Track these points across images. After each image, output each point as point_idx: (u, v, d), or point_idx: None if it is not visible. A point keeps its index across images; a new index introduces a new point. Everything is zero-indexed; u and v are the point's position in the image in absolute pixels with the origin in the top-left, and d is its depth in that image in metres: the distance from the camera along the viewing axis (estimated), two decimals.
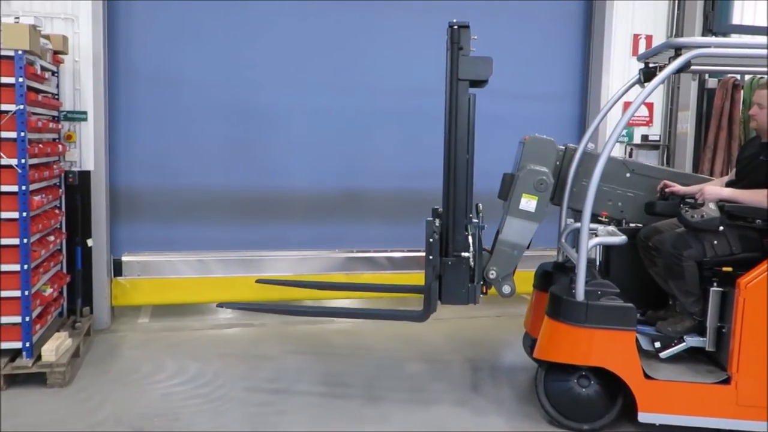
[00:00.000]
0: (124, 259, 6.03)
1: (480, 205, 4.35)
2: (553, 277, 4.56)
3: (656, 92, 6.41)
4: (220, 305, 4.60)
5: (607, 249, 4.61)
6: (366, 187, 6.60)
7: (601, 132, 6.03)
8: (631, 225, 4.76)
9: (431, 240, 4.05)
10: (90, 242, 5.64)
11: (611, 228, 4.30)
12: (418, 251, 6.61)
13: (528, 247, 4.28)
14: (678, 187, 4.32)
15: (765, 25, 6.81)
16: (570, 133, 6.79)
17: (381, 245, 6.60)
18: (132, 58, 5.96)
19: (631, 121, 6.47)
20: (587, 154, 4.48)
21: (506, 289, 4.23)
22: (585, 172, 4.35)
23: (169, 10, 5.98)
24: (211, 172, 6.21)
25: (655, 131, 6.84)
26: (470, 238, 4.10)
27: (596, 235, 4.08)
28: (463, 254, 4.07)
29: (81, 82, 5.55)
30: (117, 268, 6.00)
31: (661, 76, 3.71)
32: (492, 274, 4.18)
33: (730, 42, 3.85)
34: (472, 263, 4.09)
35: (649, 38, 6.67)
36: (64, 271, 5.49)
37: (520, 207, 4.16)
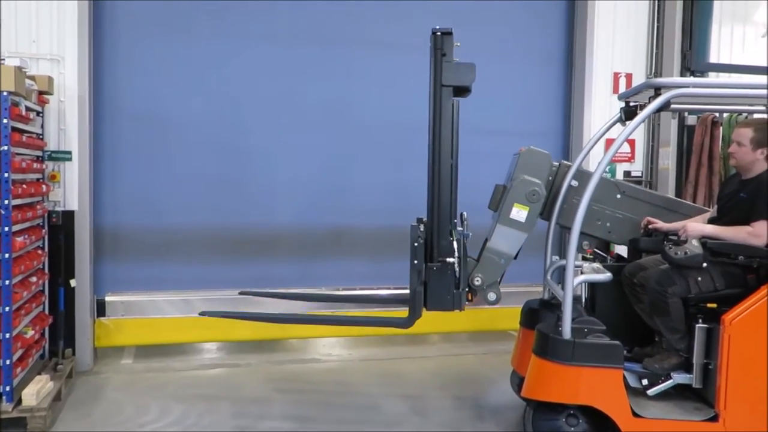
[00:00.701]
0: (107, 299, 5.96)
1: (465, 213, 4.33)
2: (539, 315, 4.56)
3: (638, 129, 6.49)
4: (202, 314, 4.52)
5: (593, 285, 4.63)
6: (351, 224, 6.60)
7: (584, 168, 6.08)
8: (616, 262, 4.79)
9: (416, 244, 4.02)
10: (73, 282, 5.57)
11: (596, 265, 4.33)
12: (404, 288, 6.58)
13: (515, 258, 4.27)
14: (661, 224, 4.36)
15: (741, 63, 6.97)
16: None
17: (367, 283, 6.56)
18: (117, 97, 5.97)
19: (613, 158, 6.54)
20: (580, 171, 4.50)
21: (491, 296, 4.20)
22: (577, 190, 4.37)
23: (155, 49, 6.02)
24: (196, 211, 6.19)
25: (637, 167, 6.93)
26: (455, 244, 4.07)
27: (581, 272, 4.10)
28: (448, 259, 4.03)
29: (66, 122, 5.55)
30: (100, 308, 5.92)
31: (641, 115, 3.77)
32: (477, 281, 4.15)
33: (707, 82, 3.94)
34: (457, 269, 4.05)
35: (629, 76, 6.79)
36: (46, 312, 5.42)
37: (511, 216, 4.16)
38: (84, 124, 5.60)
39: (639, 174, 6.92)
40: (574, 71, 6.93)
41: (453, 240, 4.08)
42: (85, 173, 5.63)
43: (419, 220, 4.34)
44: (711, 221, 4.20)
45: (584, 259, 4.94)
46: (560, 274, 4.28)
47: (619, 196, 4.55)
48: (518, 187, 4.18)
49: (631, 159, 6.90)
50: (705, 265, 3.89)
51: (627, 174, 6.87)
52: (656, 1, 6.86)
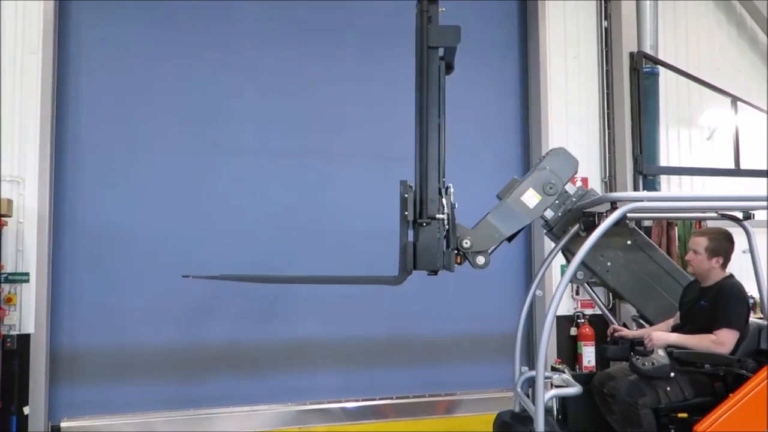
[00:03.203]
0: (62, 425, 5.68)
1: (451, 186, 4.20)
2: (511, 429, 4.46)
3: None
4: (185, 276, 4.35)
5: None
6: (314, 335, 6.48)
7: (548, 278, 6.16)
8: (585, 371, 4.76)
9: (406, 196, 3.94)
10: (26, 410, 5.33)
11: (565, 376, 4.29)
12: (373, 400, 6.46)
13: (510, 241, 4.23)
14: (626, 332, 4.40)
15: (689, 166, 7.26)
16: (517, 277, 6.91)
17: (334, 396, 6.40)
18: (78, 216, 5.93)
19: None
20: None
21: (480, 259, 4.09)
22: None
23: (117, 167, 6.04)
24: (156, 328, 6.05)
25: None
26: (444, 201, 3.99)
27: (552, 385, 4.06)
28: (438, 216, 3.94)
29: (24, 243, 5.47)
30: None
31: (600, 229, 3.83)
32: (466, 243, 4.05)
33: (660, 195, 4.09)
34: (446, 226, 3.96)
35: (584, 180, 6.97)
36: None
37: (522, 198, 4.17)
38: (43, 244, 5.53)
39: None
40: None
41: (442, 198, 4.01)
42: (42, 294, 5.51)
43: None
44: (674, 329, 4.24)
45: (553, 369, 4.92)
46: (530, 384, 4.24)
47: (629, 242, 4.46)
48: (540, 175, 4.20)
49: None
50: (673, 374, 3.89)
51: None
52: (606, 108, 7.19)
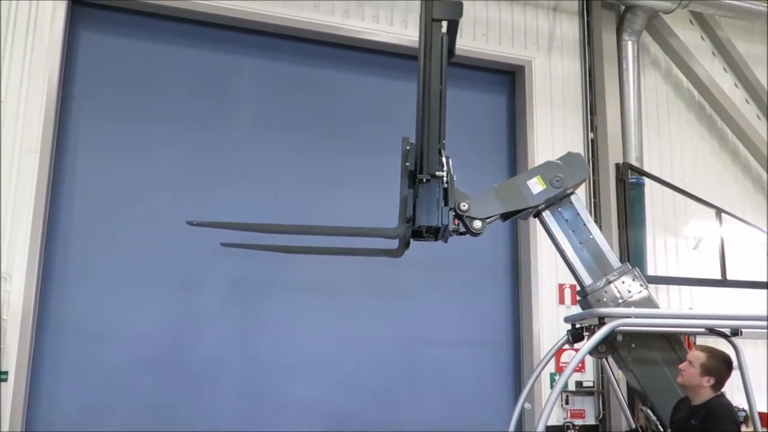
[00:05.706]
0: None
1: (450, 159, 4.15)
2: None
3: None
4: (189, 223, 4.22)
5: None
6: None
7: (537, 389, 6.08)
8: None
9: (407, 147, 4.02)
10: None
11: None
12: None
13: (504, 220, 4.25)
14: None
15: (675, 275, 7.33)
16: (506, 381, 6.83)
17: None
18: (62, 313, 5.84)
19: (562, 368, 6.57)
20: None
21: (477, 224, 4.06)
22: None
23: (105, 268, 6.01)
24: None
25: (588, 377, 6.95)
26: (444, 160, 3.98)
27: None
28: (437, 173, 3.93)
29: (6, 341, 5.36)
30: None
31: (589, 344, 3.84)
32: (464, 206, 4.02)
33: (649, 312, 4.08)
34: (446, 185, 3.96)
35: (573, 287, 6.97)
36: None
37: (527, 182, 4.19)
38: (25, 343, 5.43)
39: (590, 384, 6.93)
40: (520, 283, 7.14)
41: (442, 157, 4.00)
42: (20, 394, 5.36)
43: None
44: None
45: None
46: None
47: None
48: (550, 166, 4.26)
49: (581, 369, 6.93)
50: None
51: (579, 384, 6.88)
52: (593, 217, 7.29)
